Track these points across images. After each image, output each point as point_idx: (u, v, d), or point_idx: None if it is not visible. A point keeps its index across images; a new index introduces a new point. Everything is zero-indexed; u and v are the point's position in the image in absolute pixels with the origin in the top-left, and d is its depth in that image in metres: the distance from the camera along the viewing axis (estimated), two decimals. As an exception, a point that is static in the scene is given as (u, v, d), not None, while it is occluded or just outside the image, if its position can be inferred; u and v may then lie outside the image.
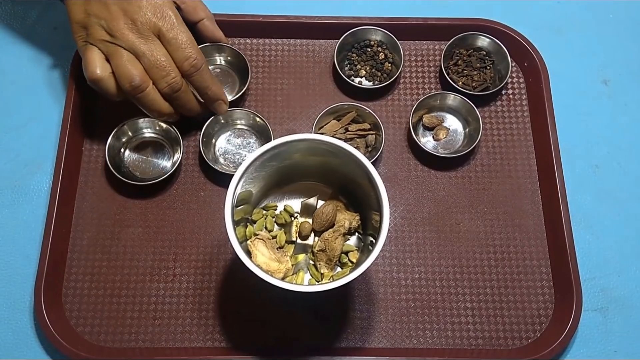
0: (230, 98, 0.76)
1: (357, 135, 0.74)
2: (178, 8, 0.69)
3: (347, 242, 0.67)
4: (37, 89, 0.79)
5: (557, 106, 0.76)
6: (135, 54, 0.65)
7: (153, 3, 0.65)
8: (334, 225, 0.66)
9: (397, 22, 0.79)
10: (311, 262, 0.65)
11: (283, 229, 0.66)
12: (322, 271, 0.64)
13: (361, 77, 0.80)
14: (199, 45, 0.69)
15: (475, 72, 0.79)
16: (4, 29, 0.82)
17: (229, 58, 0.78)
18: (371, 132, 0.74)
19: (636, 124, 0.79)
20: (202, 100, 0.72)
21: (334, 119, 0.75)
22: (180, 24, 0.66)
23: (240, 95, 0.76)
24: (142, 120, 0.74)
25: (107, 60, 0.66)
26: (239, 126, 0.76)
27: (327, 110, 0.74)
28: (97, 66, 0.65)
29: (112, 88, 0.66)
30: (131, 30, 0.64)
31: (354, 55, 0.80)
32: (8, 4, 0.83)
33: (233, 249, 0.56)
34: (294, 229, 0.66)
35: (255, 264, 0.57)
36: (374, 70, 0.79)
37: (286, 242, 0.66)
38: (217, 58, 0.79)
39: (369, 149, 0.74)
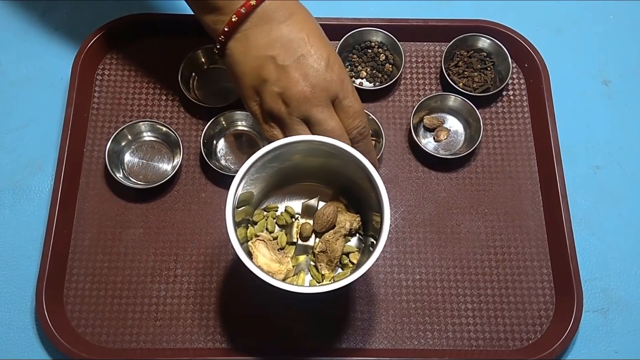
0: (231, 100, 0.76)
1: None
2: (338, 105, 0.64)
3: (348, 243, 0.67)
4: (38, 90, 0.79)
5: (558, 107, 0.76)
6: (308, 123, 0.61)
7: (332, 68, 0.61)
8: (334, 226, 0.66)
9: (397, 23, 0.79)
10: (312, 263, 0.66)
11: (284, 230, 0.66)
12: (322, 272, 0.64)
13: (362, 79, 0.80)
14: None
15: (475, 73, 0.79)
16: (6, 30, 0.82)
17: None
18: (372, 138, 0.74)
19: (637, 125, 0.79)
20: None
21: None
22: (354, 92, 0.63)
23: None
24: (141, 123, 0.74)
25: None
26: (239, 127, 0.76)
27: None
28: (276, 136, 0.63)
29: None
30: (309, 98, 0.60)
31: (355, 56, 0.80)
32: (10, 4, 0.83)
33: (234, 250, 0.56)
34: (294, 230, 0.66)
35: (256, 265, 0.57)
36: (374, 71, 0.79)
37: (287, 243, 0.66)
38: (218, 60, 0.79)
39: None
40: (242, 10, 0.59)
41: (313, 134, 0.61)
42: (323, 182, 0.68)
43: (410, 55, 0.81)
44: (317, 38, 0.61)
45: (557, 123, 0.75)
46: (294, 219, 0.67)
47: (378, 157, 0.72)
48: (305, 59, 0.60)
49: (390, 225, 0.58)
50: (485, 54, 0.80)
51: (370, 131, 0.73)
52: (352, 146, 0.60)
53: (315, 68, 0.60)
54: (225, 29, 0.61)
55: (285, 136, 0.62)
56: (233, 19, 0.60)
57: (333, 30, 0.79)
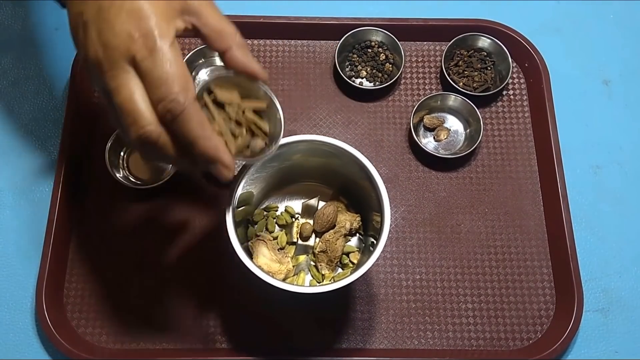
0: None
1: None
2: (197, 31, 0.50)
3: (348, 243, 0.67)
4: (39, 90, 0.79)
5: (558, 106, 0.76)
6: (104, 93, 0.47)
7: (132, 16, 0.46)
8: (335, 226, 0.66)
9: (397, 22, 0.79)
10: (312, 263, 0.66)
11: (284, 230, 0.67)
12: (323, 272, 0.64)
13: (362, 78, 0.80)
14: None
15: (476, 73, 0.79)
16: (5, 30, 0.82)
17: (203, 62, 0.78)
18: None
19: (637, 124, 0.79)
20: None
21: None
22: (165, 45, 0.46)
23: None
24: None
25: None
26: (239, 127, 0.76)
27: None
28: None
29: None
30: (100, 61, 0.46)
31: (355, 56, 0.80)
32: (9, 5, 0.83)
33: (234, 250, 0.56)
34: (295, 230, 0.66)
35: (256, 265, 0.57)
36: (374, 71, 0.79)
37: (287, 243, 0.66)
38: (216, 58, 0.79)
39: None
40: None
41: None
42: (323, 181, 0.68)
43: (410, 55, 0.81)
44: None
45: (557, 122, 0.75)
46: (294, 219, 0.67)
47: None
48: (101, 13, 0.46)
49: (391, 224, 0.58)
50: (485, 54, 0.80)
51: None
52: (165, 129, 0.47)
53: (109, 21, 0.46)
54: None
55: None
56: None
57: (333, 29, 0.79)
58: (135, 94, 0.46)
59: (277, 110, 0.54)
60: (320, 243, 0.64)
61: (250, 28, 0.79)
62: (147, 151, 0.48)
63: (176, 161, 0.49)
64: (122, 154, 0.74)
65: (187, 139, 0.47)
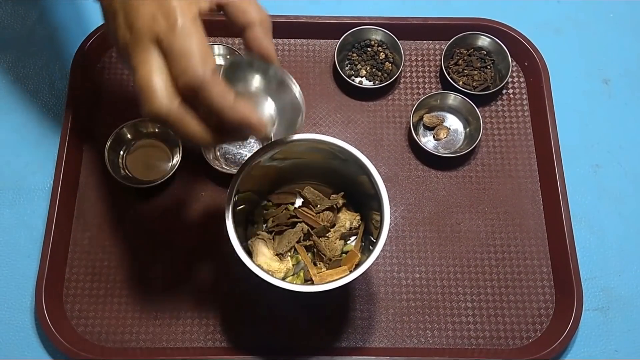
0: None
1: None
2: (221, 8, 0.51)
3: (348, 242, 0.67)
4: (38, 89, 0.79)
5: (558, 106, 0.76)
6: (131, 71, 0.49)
7: (164, 3, 0.47)
8: (334, 225, 0.66)
9: (397, 21, 0.79)
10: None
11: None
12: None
13: (362, 77, 0.79)
14: None
15: (475, 72, 0.79)
16: (5, 29, 0.82)
17: (227, 57, 0.78)
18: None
19: (637, 124, 0.79)
20: None
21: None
22: (187, 22, 0.47)
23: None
24: (140, 122, 0.74)
25: None
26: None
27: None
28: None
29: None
30: (127, 41, 0.48)
31: (355, 55, 0.80)
32: (9, 5, 0.83)
33: (234, 249, 0.56)
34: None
35: (256, 264, 0.57)
36: (374, 70, 0.79)
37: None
38: (215, 58, 0.79)
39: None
40: None
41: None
42: (323, 180, 0.68)
43: (410, 54, 0.81)
44: None
45: (557, 122, 0.75)
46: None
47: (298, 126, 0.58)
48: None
49: (390, 223, 0.58)
50: (485, 53, 0.80)
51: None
52: (190, 106, 0.48)
53: (135, 4, 0.47)
54: None
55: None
56: None
57: (333, 28, 0.79)
58: (152, 71, 0.46)
59: (292, 87, 0.54)
60: (319, 241, 0.64)
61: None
62: (171, 130, 0.49)
63: (201, 138, 0.49)
64: (121, 152, 0.74)
65: (213, 110, 0.47)
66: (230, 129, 0.49)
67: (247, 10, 0.51)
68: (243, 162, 0.58)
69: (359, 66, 0.79)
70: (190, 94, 0.47)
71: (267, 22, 0.52)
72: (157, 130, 0.74)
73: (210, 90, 0.46)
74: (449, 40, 0.79)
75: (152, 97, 0.46)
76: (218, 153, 0.75)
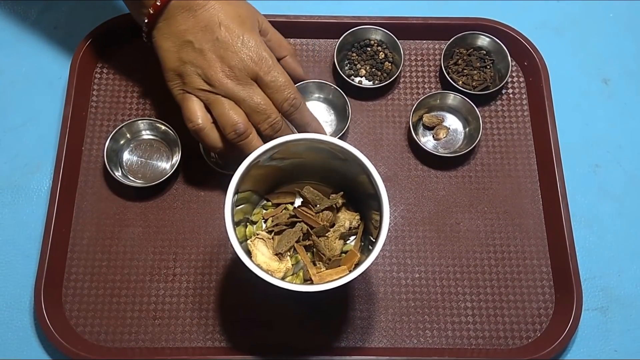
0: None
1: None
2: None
3: (348, 241, 0.67)
4: (37, 88, 0.79)
5: (557, 105, 0.76)
6: (235, 101, 0.64)
7: (249, 47, 0.64)
8: (334, 225, 0.66)
9: (397, 21, 0.79)
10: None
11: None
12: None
13: (361, 77, 0.79)
14: None
15: (475, 72, 0.79)
16: (4, 29, 0.82)
17: None
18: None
19: (636, 123, 0.79)
20: None
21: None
22: (276, 64, 0.65)
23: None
24: (140, 121, 0.74)
25: (207, 108, 0.65)
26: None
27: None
28: (199, 116, 0.64)
29: (215, 137, 0.65)
30: (229, 78, 0.63)
31: (354, 54, 0.80)
32: (8, 4, 0.83)
33: (233, 248, 0.56)
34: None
35: (255, 264, 0.57)
36: (374, 69, 0.79)
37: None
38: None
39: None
40: (158, 3, 0.64)
41: (241, 109, 0.64)
42: (322, 180, 0.68)
43: (409, 54, 0.81)
44: (232, 21, 0.64)
45: (556, 121, 0.75)
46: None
47: (344, 132, 0.74)
48: (219, 42, 0.63)
49: (390, 223, 0.58)
50: (484, 52, 0.80)
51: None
52: (287, 119, 0.67)
53: (231, 50, 0.63)
54: (147, 19, 0.65)
55: (211, 114, 0.65)
56: (151, 12, 0.64)
57: (332, 28, 0.79)
58: (263, 97, 0.65)
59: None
60: (319, 241, 0.64)
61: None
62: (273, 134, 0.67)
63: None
64: (120, 152, 0.74)
65: (304, 121, 0.68)
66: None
67: (281, 44, 0.72)
68: (242, 161, 0.58)
69: (358, 66, 0.79)
70: (291, 112, 0.66)
71: (295, 52, 0.76)
72: (156, 129, 0.74)
73: (305, 108, 0.68)
74: (449, 40, 0.79)
75: (273, 113, 0.65)
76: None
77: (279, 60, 0.69)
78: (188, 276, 0.70)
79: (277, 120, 0.65)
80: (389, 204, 0.58)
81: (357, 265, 0.59)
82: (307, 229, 0.64)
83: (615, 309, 0.70)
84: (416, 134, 0.75)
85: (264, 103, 0.64)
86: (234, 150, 0.66)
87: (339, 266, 0.63)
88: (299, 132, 0.68)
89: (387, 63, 0.79)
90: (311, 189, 0.66)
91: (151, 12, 0.64)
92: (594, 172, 0.77)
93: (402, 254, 0.71)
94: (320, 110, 0.77)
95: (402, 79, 0.80)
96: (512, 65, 0.78)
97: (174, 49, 0.65)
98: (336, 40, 0.78)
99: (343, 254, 0.65)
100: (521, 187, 0.75)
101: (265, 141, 0.62)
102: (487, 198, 0.74)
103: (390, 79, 0.78)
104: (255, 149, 0.62)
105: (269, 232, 0.65)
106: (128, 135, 0.74)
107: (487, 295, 0.70)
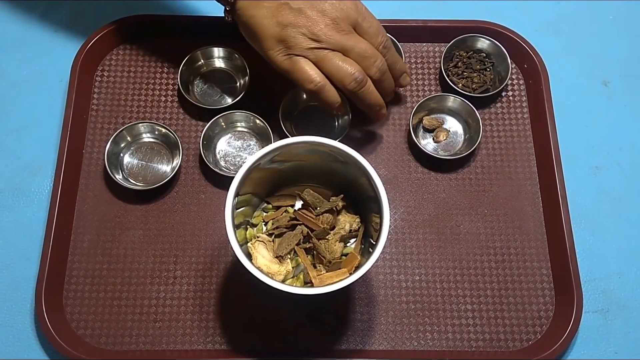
0: (230, 101, 0.76)
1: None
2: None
3: (348, 244, 0.67)
4: (38, 91, 0.79)
5: (557, 108, 0.76)
6: (343, 52, 0.65)
7: (339, 2, 0.64)
8: (334, 227, 0.66)
9: (397, 24, 0.79)
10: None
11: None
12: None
13: (361, 79, 0.79)
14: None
15: (475, 74, 0.79)
16: (5, 31, 0.82)
17: (227, 60, 0.79)
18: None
19: (636, 125, 0.79)
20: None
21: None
22: (368, 11, 0.67)
23: (240, 98, 0.75)
24: (141, 124, 0.74)
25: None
26: (239, 128, 0.76)
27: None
28: (317, 75, 0.64)
29: (334, 92, 0.66)
30: (335, 30, 0.64)
31: (354, 57, 0.80)
32: (9, 7, 0.83)
33: (233, 251, 0.56)
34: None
35: (255, 267, 0.57)
36: (374, 72, 0.79)
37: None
38: (215, 60, 0.79)
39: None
40: None
41: (351, 59, 0.65)
42: (323, 183, 0.68)
43: (409, 56, 0.81)
44: None
45: (556, 124, 0.75)
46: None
47: (344, 135, 0.74)
48: (314, 2, 0.64)
49: (390, 226, 0.58)
50: (484, 55, 0.80)
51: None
52: (384, 58, 0.68)
53: (329, 2, 0.64)
54: None
55: (322, 71, 0.65)
56: None
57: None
58: (366, 42, 0.66)
59: None
60: (319, 244, 0.64)
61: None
62: (378, 84, 0.68)
63: (381, 101, 0.70)
64: (121, 155, 0.74)
65: (394, 59, 0.70)
66: (399, 74, 0.73)
67: (379, 36, 0.69)
68: (243, 164, 0.58)
69: (358, 68, 0.79)
70: (384, 53, 0.68)
71: (391, 47, 0.72)
72: (157, 132, 0.74)
73: (394, 51, 0.70)
74: (449, 42, 0.79)
75: (376, 57, 0.66)
76: (218, 156, 0.75)
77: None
78: (189, 279, 0.70)
79: (383, 62, 0.67)
80: (389, 207, 0.58)
81: (357, 267, 0.59)
82: (308, 232, 0.64)
83: (616, 311, 0.70)
84: (416, 136, 0.75)
85: (369, 48, 0.66)
86: (359, 99, 0.67)
87: (339, 269, 0.63)
88: (390, 71, 0.69)
89: (387, 66, 0.79)
90: (311, 191, 0.66)
91: None
92: (594, 174, 0.77)
93: (403, 257, 0.71)
94: (320, 114, 0.77)
95: (402, 82, 0.80)
96: (512, 68, 0.78)
97: (270, 14, 0.63)
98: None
99: (343, 257, 0.65)
100: (521, 189, 0.75)
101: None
102: (487, 200, 0.74)
103: (390, 81, 0.78)
104: (374, 95, 0.67)
105: (270, 235, 0.65)
106: (129, 138, 0.74)
107: (488, 298, 0.70)
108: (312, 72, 0.64)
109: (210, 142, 0.74)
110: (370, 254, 0.57)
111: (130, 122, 0.74)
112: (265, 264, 0.62)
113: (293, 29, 0.63)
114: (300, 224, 0.65)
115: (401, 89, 0.79)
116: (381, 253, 0.56)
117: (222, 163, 0.75)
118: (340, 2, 0.65)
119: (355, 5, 0.66)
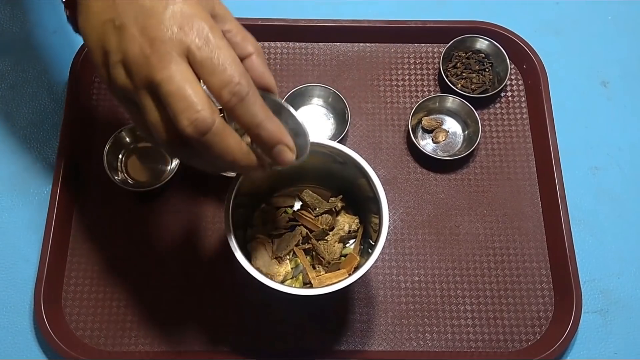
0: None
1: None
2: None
3: (347, 245, 0.67)
4: (37, 93, 0.79)
5: (556, 108, 0.76)
6: (151, 89, 0.45)
7: (180, 11, 0.45)
8: (333, 228, 0.66)
9: (396, 24, 0.79)
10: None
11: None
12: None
13: (360, 80, 0.80)
14: None
15: (474, 75, 0.79)
16: (4, 33, 0.82)
17: None
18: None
19: (635, 126, 0.79)
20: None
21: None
22: (218, 37, 0.45)
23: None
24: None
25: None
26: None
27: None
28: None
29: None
30: (149, 56, 0.44)
31: (353, 58, 0.80)
32: (7, 8, 0.83)
33: (232, 252, 0.56)
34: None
35: (254, 267, 0.57)
36: (373, 73, 0.79)
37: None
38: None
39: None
40: None
41: (162, 102, 0.44)
42: (322, 183, 0.68)
43: (408, 57, 0.81)
44: None
45: (555, 124, 0.75)
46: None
47: (343, 136, 0.69)
48: (143, 12, 0.45)
49: (389, 226, 0.58)
50: (483, 55, 0.80)
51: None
52: (229, 114, 0.46)
53: (156, 18, 0.45)
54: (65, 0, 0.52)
55: (145, 120, 0.46)
56: None
57: (331, 32, 0.79)
58: (189, 80, 0.44)
59: (293, 113, 0.52)
60: (318, 244, 0.64)
61: (249, 30, 0.79)
62: (203, 146, 0.46)
63: (242, 156, 0.47)
64: (120, 156, 0.74)
65: (253, 120, 0.46)
66: (263, 142, 0.48)
67: (246, 38, 0.51)
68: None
69: (357, 69, 0.80)
70: (233, 103, 0.45)
71: (262, 51, 0.51)
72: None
73: (254, 101, 0.46)
74: (448, 43, 0.79)
75: (195, 105, 0.44)
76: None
77: (243, 59, 0.50)
78: (187, 280, 0.70)
79: (202, 115, 0.44)
80: (388, 207, 0.58)
81: (356, 268, 0.59)
82: (307, 233, 0.64)
83: (615, 311, 0.70)
84: (415, 137, 0.75)
85: (185, 88, 0.44)
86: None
87: (339, 269, 0.63)
88: (249, 136, 0.48)
89: (386, 66, 0.79)
90: (310, 192, 0.66)
91: None
92: (593, 174, 0.77)
93: (402, 257, 0.71)
94: (319, 114, 0.77)
95: (401, 82, 0.80)
96: (511, 68, 0.78)
97: (97, 35, 0.47)
98: (336, 44, 0.78)
99: (342, 258, 0.65)
100: (520, 189, 0.75)
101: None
102: (487, 201, 0.74)
103: (389, 82, 0.78)
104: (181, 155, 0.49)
105: (269, 236, 0.65)
106: (127, 140, 0.74)
107: (487, 298, 0.70)
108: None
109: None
110: (369, 254, 0.57)
111: (129, 124, 0.74)
112: (265, 265, 0.62)
113: (112, 56, 0.47)
114: (299, 225, 0.65)
115: (400, 89, 0.79)
116: (380, 254, 0.56)
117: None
118: (171, 19, 0.45)
119: (190, 24, 0.45)
